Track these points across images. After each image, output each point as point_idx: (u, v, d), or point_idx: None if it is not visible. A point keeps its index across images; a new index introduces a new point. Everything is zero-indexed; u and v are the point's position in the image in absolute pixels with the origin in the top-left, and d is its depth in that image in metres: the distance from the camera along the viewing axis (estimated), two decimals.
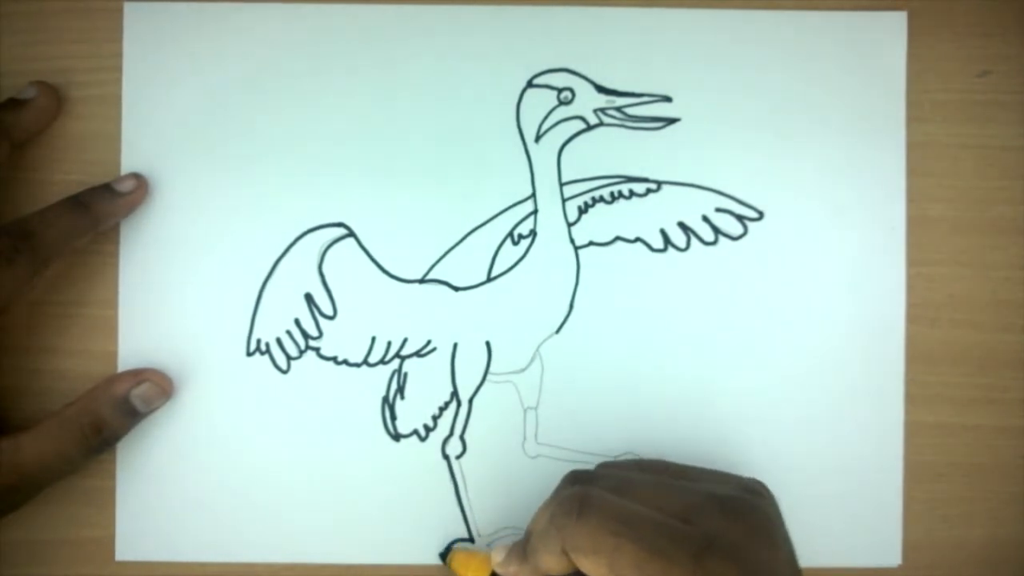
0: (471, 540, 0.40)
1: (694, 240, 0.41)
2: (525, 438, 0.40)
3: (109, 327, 0.40)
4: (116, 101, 0.40)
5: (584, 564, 0.31)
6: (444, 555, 0.40)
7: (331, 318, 0.40)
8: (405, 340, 0.40)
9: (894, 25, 0.41)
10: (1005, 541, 0.41)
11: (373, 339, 0.40)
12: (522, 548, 0.35)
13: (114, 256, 0.40)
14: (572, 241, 0.41)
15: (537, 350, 0.40)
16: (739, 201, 0.41)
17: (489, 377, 0.40)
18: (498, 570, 0.36)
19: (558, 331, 0.40)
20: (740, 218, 0.41)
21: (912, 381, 0.41)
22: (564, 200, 0.41)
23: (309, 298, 0.40)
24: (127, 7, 0.41)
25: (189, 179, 0.40)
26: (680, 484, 0.34)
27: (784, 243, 0.41)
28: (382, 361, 0.40)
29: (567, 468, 0.40)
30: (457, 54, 0.41)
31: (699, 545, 0.30)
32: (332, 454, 0.40)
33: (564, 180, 0.41)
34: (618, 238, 0.41)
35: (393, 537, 0.40)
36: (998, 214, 0.41)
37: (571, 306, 0.41)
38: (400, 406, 0.40)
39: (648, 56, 0.41)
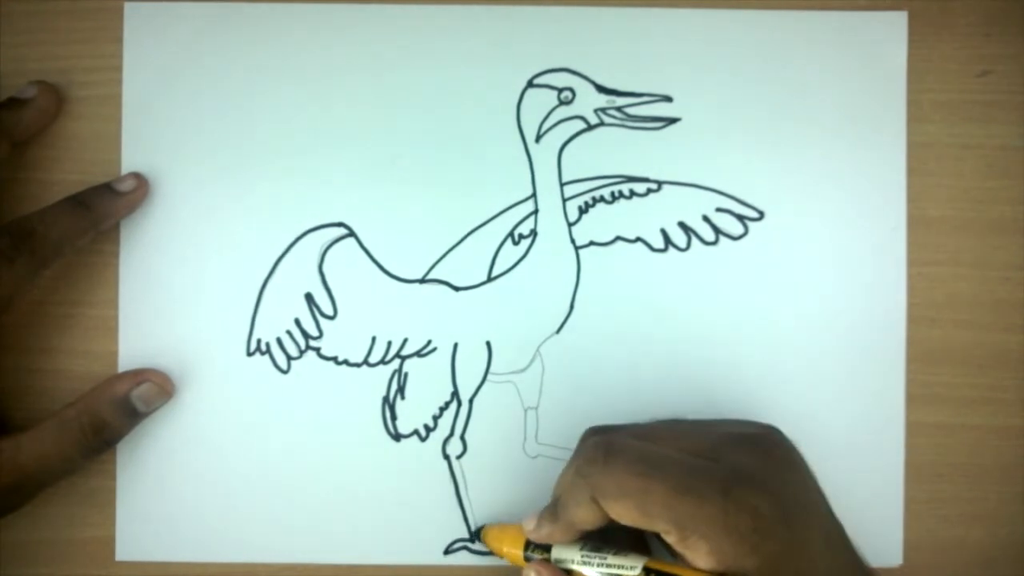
0: (471, 540, 0.40)
1: (695, 240, 0.41)
2: (525, 438, 0.40)
3: (109, 327, 0.40)
4: (116, 101, 0.40)
5: (614, 509, 0.31)
6: (477, 534, 0.40)
7: (331, 318, 0.40)
8: (405, 340, 0.40)
9: (894, 25, 0.41)
10: (1005, 541, 0.41)
11: (373, 339, 0.40)
12: (553, 509, 0.34)
13: (114, 256, 0.40)
14: (572, 241, 0.41)
15: (537, 350, 0.40)
16: (739, 201, 0.41)
17: (489, 377, 0.40)
18: (532, 536, 0.35)
19: (558, 331, 0.40)
20: (741, 218, 0.41)
21: (912, 381, 0.41)
22: (564, 200, 0.40)
23: (309, 298, 0.40)
24: (127, 7, 0.40)
25: (189, 179, 0.40)
26: (702, 427, 0.34)
27: (785, 243, 0.41)
28: (382, 361, 0.40)
29: None
30: (457, 54, 0.41)
31: (727, 479, 0.30)
32: (332, 454, 0.40)
33: (564, 180, 0.41)
34: (618, 238, 0.41)
35: (393, 537, 0.40)
36: (998, 214, 0.41)
37: (571, 306, 0.40)
38: (400, 406, 0.40)
39: (648, 56, 0.41)
